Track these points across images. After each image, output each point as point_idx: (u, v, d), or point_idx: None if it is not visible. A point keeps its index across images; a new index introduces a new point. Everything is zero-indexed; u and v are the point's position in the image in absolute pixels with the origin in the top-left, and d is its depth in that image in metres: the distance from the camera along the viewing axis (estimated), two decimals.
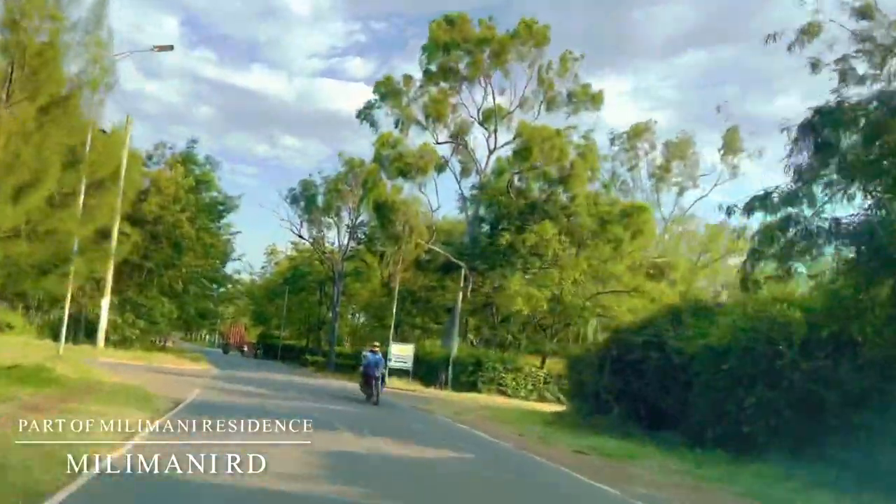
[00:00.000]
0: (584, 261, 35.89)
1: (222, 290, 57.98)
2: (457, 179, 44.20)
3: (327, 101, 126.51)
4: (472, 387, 38.49)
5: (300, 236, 57.93)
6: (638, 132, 49.65)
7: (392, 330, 40.42)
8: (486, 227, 42.51)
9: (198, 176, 46.41)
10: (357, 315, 67.52)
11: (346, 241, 55.63)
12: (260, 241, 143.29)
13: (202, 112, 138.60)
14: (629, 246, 36.98)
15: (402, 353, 40.02)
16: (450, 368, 39.42)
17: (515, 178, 41.65)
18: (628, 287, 36.15)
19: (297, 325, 76.31)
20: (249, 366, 46.71)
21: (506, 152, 42.77)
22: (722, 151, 49.69)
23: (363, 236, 54.32)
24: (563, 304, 35.43)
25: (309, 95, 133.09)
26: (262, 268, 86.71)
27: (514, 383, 38.73)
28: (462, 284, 40.96)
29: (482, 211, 43.07)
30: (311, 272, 64.00)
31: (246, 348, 76.57)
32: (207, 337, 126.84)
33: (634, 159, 49.89)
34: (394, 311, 40.21)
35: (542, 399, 38.27)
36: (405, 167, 39.98)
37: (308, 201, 55.41)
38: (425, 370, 40.51)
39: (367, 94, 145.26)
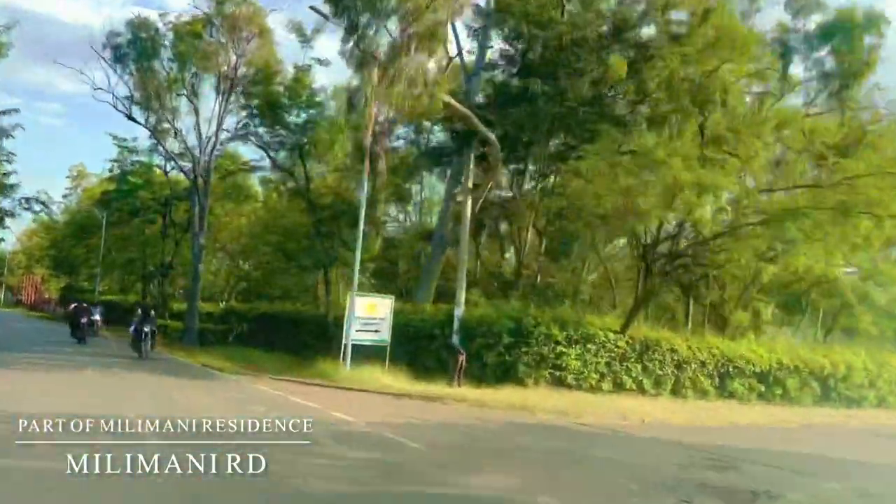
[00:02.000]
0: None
1: None
2: None
3: None
4: (508, 374, 20.22)
5: (130, 118, 33.39)
6: None
7: (357, 268, 20.07)
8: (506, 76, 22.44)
9: None
10: (222, 255, 44.41)
11: (214, 130, 32.63)
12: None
13: None
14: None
15: (371, 313, 20.52)
16: (455, 339, 20.63)
17: None
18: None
19: (123, 274, 52.11)
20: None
21: None
22: None
23: (254, 114, 30.91)
24: (744, 204, 16.76)
25: (121, 23, 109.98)
26: (65, 196, 60.86)
27: (578, 363, 20.84)
28: (471, 182, 21.73)
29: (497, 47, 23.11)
30: (146, 184, 39.32)
31: (98, 316, 30.89)
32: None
33: None
34: (361, 218, 19.37)
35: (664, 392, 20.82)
36: None
37: (142, 57, 31.79)
38: (402, 345, 21.50)
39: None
